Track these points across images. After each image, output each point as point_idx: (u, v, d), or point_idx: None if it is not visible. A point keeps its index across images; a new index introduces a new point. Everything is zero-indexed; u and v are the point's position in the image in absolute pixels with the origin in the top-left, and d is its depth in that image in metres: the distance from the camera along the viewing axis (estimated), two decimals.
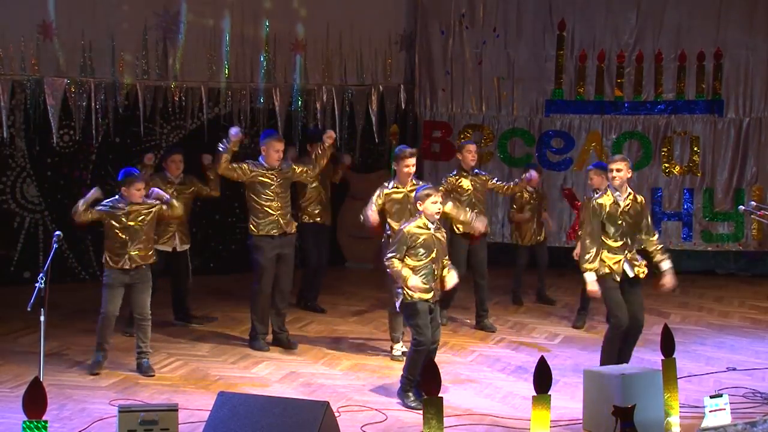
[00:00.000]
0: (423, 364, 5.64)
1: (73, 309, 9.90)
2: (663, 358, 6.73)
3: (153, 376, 7.93)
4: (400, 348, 8.60)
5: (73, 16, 10.45)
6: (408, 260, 7.29)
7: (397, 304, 7.42)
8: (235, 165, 8.64)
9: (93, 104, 10.67)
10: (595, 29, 12.60)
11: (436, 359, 5.75)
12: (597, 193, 8.19)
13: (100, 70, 10.68)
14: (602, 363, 7.76)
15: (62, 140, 11.08)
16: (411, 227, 7.34)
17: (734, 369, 8.45)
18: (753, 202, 10.76)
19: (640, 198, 7.86)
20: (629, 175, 7.70)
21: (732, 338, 9.59)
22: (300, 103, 11.93)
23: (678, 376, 6.81)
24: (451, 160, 12.58)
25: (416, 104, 12.77)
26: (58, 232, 7.28)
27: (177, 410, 6.17)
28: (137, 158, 11.54)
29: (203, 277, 11.66)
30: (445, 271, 7.47)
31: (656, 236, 7.94)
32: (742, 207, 9.68)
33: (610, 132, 12.64)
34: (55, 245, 6.98)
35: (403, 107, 12.71)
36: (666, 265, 7.87)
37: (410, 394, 7.34)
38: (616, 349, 7.75)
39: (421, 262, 7.29)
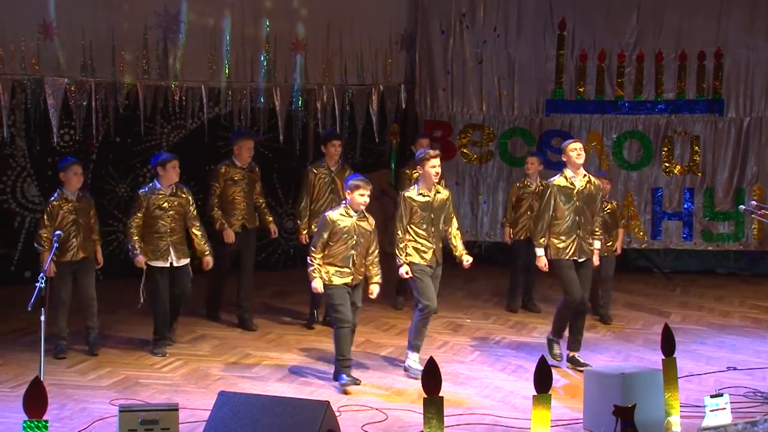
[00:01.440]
0: (427, 365, 5.63)
1: (73, 308, 9.87)
2: (663, 357, 6.73)
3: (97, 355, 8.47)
4: (416, 359, 8.16)
5: (74, 16, 10.45)
6: (331, 246, 7.75)
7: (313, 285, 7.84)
8: (216, 200, 9.51)
9: (93, 104, 10.66)
10: (596, 29, 12.58)
11: (437, 358, 5.74)
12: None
13: (101, 69, 10.66)
14: (553, 332, 8.50)
15: (63, 140, 11.07)
16: (334, 214, 7.82)
17: (735, 368, 8.45)
18: (753, 202, 10.75)
19: (595, 181, 8.45)
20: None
21: (732, 338, 9.59)
22: (300, 102, 11.92)
23: (678, 376, 6.82)
24: (451, 160, 12.61)
25: (417, 104, 12.74)
26: (58, 232, 7.29)
27: (177, 410, 6.16)
28: (138, 158, 11.59)
29: (205, 278, 11.64)
30: (374, 271, 7.95)
31: (598, 221, 8.78)
32: (742, 206, 9.67)
33: (611, 132, 12.63)
34: (55, 245, 6.98)
35: (404, 107, 12.69)
36: (596, 244, 8.70)
37: (344, 375, 7.74)
38: (567, 321, 8.39)
39: (342, 248, 7.75)
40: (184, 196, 8.72)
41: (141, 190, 8.69)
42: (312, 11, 11.81)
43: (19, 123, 10.90)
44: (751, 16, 12.35)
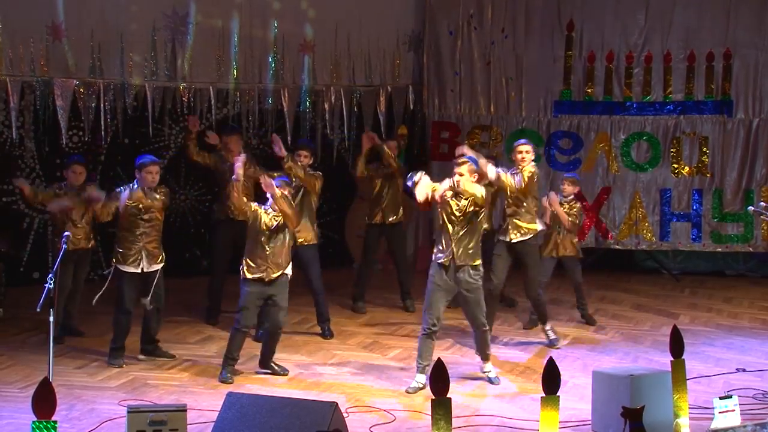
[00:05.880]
0: (435, 367, 5.62)
1: (82, 309, 9.90)
2: (672, 359, 6.71)
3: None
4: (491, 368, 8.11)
5: (83, 17, 10.48)
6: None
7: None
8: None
9: (102, 105, 10.69)
10: (604, 30, 12.57)
11: (445, 360, 5.73)
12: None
13: (109, 71, 10.69)
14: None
15: (71, 141, 11.10)
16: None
17: (744, 370, 8.42)
18: (762, 203, 10.72)
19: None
20: (532, 157, 9.02)
21: (741, 339, 9.56)
22: (308, 103, 11.93)
23: (687, 378, 6.79)
24: None
25: (424, 105, 12.75)
26: (66, 233, 7.29)
27: (186, 411, 6.17)
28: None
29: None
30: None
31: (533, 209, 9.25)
32: (751, 208, 9.65)
33: (619, 133, 12.61)
34: (64, 246, 6.99)
35: (412, 108, 12.70)
36: (538, 226, 9.30)
37: (225, 371, 7.95)
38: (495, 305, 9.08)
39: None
40: (160, 198, 8.28)
41: (118, 189, 8.30)
42: (320, 12, 11.83)
43: (28, 124, 10.94)
44: (761, 16, 12.32)
